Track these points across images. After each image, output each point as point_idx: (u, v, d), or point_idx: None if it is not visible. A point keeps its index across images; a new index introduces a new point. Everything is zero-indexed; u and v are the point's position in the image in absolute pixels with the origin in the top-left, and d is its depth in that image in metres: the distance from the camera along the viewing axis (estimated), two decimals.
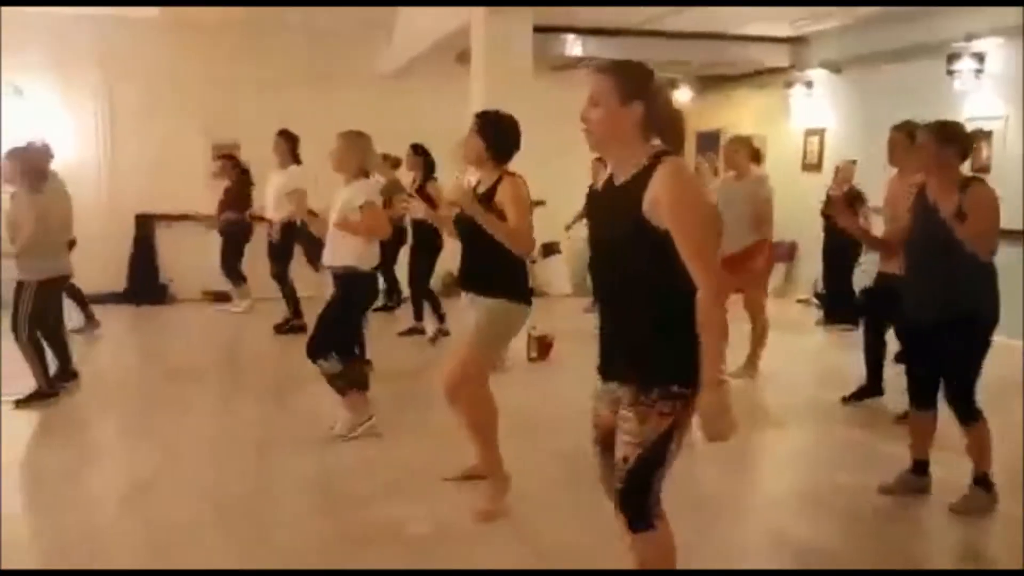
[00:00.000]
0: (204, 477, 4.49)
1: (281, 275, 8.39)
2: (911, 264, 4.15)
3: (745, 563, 3.61)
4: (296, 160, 8.22)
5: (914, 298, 4.11)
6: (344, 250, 5.04)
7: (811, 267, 9.89)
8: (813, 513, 4.21)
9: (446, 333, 7.72)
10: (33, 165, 5.89)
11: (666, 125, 2.57)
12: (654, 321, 2.52)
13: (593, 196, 2.75)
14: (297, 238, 10.36)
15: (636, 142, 2.52)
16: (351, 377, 5.14)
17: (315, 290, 10.20)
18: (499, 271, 3.96)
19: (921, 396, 4.20)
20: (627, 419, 2.57)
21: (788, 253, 11.00)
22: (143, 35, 9.78)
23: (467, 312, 4.05)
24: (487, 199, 3.94)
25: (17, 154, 5.83)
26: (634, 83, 2.54)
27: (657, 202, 2.43)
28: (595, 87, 2.55)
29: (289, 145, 8.19)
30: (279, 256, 8.36)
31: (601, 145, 2.61)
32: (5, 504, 4.17)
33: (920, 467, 4.32)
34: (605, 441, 2.72)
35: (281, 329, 8.28)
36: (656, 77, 2.60)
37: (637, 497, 2.61)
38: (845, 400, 5.90)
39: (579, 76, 10.95)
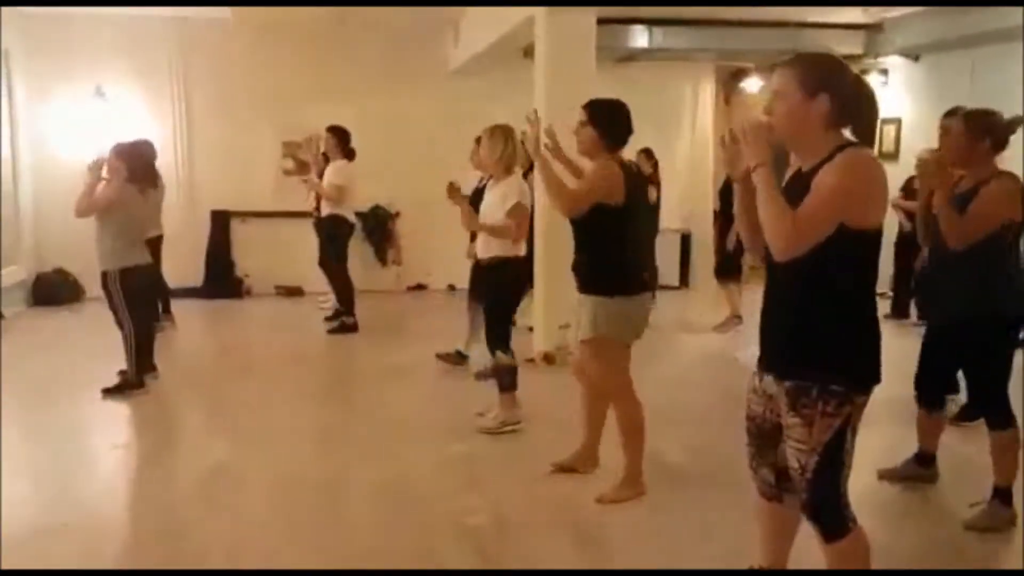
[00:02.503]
0: (277, 470, 4.57)
1: (335, 269, 8.36)
2: (936, 258, 3.99)
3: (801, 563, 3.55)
4: (346, 155, 8.25)
5: (937, 294, 3.99)
6: (495, 241, 5.14)
7: (887, 261, 9.64)
8: (873, 512, 4.12)
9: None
10: (140, 162, 6.11)
11: (856, 115, 2.50)
12: (813, 315, 2.47)
13: (785, 184, 2.68)
14: (368, 234, 10.59)
15: (822, 134, 2.48)
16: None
17: (379, 285, 10.43)
18: (601, 268, 3.98)
19: (932, 396, 4.13)
20: (793, 425, 2.52)
21: None
22: (217, 35, 10.01)
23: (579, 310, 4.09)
24: None
25: (124, 150, 6.05)
26: (819, 75, 2.47)
27: (819, 181, 2.40)
28: (779, 81, 2.51)
29: (338, 140, 8.22)
30: (332, 249, 8.34)
31: (787, 138, 2.53)
32: (82, 493, 4.36)
33: (925, 458, 4.27)
34: (758, 434, 2.71)
35: (333, 329, 8.25)
36: (847, 68, 2.53)
37: (826, 505, 2.55)
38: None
39: (644, 67, 10.90)
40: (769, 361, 2.62)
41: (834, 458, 2.49)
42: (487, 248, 5.21)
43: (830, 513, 2.55)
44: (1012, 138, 3.85)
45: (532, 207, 5.44)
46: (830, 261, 2.41)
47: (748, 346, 2.68)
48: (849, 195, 2.39)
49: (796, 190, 2.52)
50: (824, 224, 2.39)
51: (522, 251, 5.25)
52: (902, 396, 5.66)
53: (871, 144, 2.54)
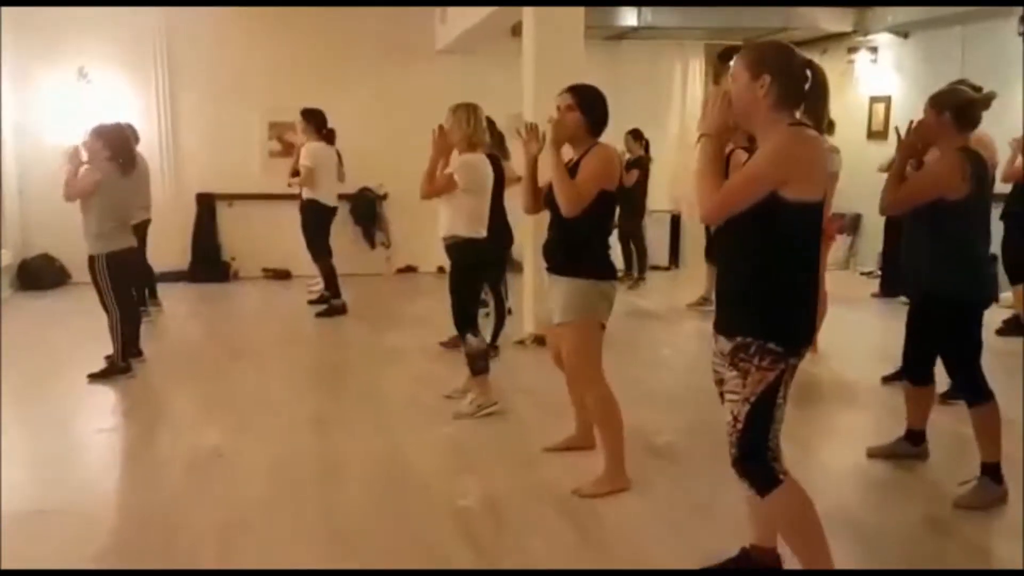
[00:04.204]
0: (267, 456, 4.53)
1: (316, 254, 8.32)
2: (904, 233, 4.04)
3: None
4: (324, 138, 8.20)
5: (905, 271, 4.05)
6: (451, 221, 5.10)
7: (877, 239, 9.63)
8: (863, 490, 4.13)
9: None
10: (120, 143, 6.05)
11: (802, 97, 2.64)
12: (755, 279, 2.65)
13: None
14: (356, 217, 10.53)
15: (769, 114, 2.61)
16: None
17: (368, 268, 10.38)
18: (584, 251, 3.89)
19: (915, 371, 4.15)
20: (730, 378, 2.69)
21: (852, 225, 10.75)
22: (202, 16, 9.91)
23: (550, 292, 4.03)
24: (573, 173, 3.88)
25: (104, 132, 5.98)
26: (761, 58, 2.63)
27: (750, 159, 2.60)
28: (733, 67, 2.68)
29: (312, 123, 8.16)
30: (311, 234, 8.28)
31: (741, 120, 2.69)
32: (68, 477, 4.33)
33: (914, 436, 4.29)
34: (722, 395, 2.83)
35: (321, 312, 8.20)
36: (794, 53, 2.67)
37: (755, 457, 2.66)
38: (885, 380, 5.69)
39: (633, 46, 10.84)
40: (718, 321, 2.81)
41: (765, 411, 2.63)
42: (444, 226, 5.16)
43: (758, 465, 2.67)
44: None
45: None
46: (769, 230, 2.58)
47: None
48: (774, 168, 2.55)
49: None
50: (744, 195, 2.58)
51: (481, 233, 5.16)
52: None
53: (819, 125, 2.69)
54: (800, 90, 2.63)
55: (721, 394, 2.84)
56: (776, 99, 2.58)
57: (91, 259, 5.84)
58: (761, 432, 2.64)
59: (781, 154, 2.54)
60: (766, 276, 2.63)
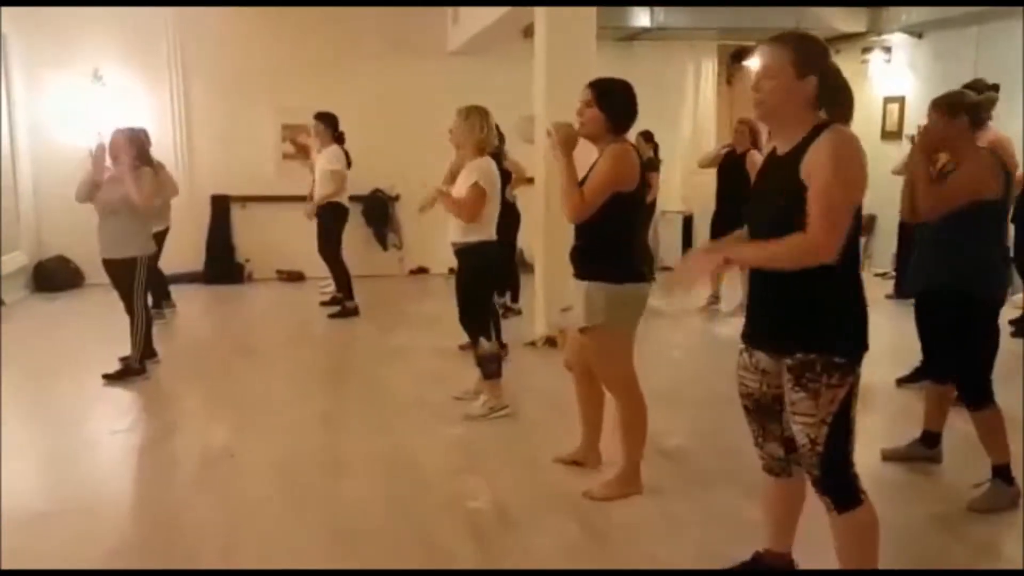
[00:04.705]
0: (277, 456, 4.55)
1: (331, 256, 8.31)
2: (918, 233, 4.04)
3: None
4: (336, 140, 8.23)
5: (913, 267, 4.05)
6: (463, 226, 5.07)
7: (891, 240, 9.58)
8: (875, 492, 4.09)
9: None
10: (143, 148, 6.17)
11: (834, 98, 2.57)
12: (801, 288, 2.51)
13: (760, 169, 2.77)
14: (368, 218, 10.55)
15: (805, 114, 2.53)
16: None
17: (380, 269, 10.39)
18: (603, 253, 3.77)
19: (933, 368, 4.14)
20: (799, 400, 2.55)
21: (866, 226, 10.69)
22: (215, 16, 9.94)
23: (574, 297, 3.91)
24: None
25: (129, 134, 6.04)
26: (811, 56, 2.53)
27: (813, 165, 2.44)
28: (770, 58, 2.54)
29: (327, 126, 8.19)
30: (328, 236, 8.28)
31: (771, 116, 2.61)
32: (82, 477, 4.35)
33: (930, 438, 4.26)
34: (757, 410, 2.75)
35: (334, 314, 8.23)
36: (830, 52, 2.60)
37: (839, 475, 2.58)
38: (900, 382, 5.65)
39: (646, 47, 10.80)
40: (764, 339, 2.66)
41: (842, 427, 2.56)
42: (455, 233, 5.13)
43: (843, 483, 2.59)
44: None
45: (506, 193, 5.33)
46: None
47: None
48: (846, 170, 2.44)
49: (773, 174, 2.61)
50: (845, 215, 2.43)
51: (492, 236, 5.13)
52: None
53: (847, 125, 2.60)
54: (834, 93, 2.57)
55: (746, 407, 2.79)
56: (816, 99, 2.52)
57: (130, 261, 5.87)
58: (843, 448, 2.56)
59: (859, 156, 2.47)
60: (811, 284, 2.48)
